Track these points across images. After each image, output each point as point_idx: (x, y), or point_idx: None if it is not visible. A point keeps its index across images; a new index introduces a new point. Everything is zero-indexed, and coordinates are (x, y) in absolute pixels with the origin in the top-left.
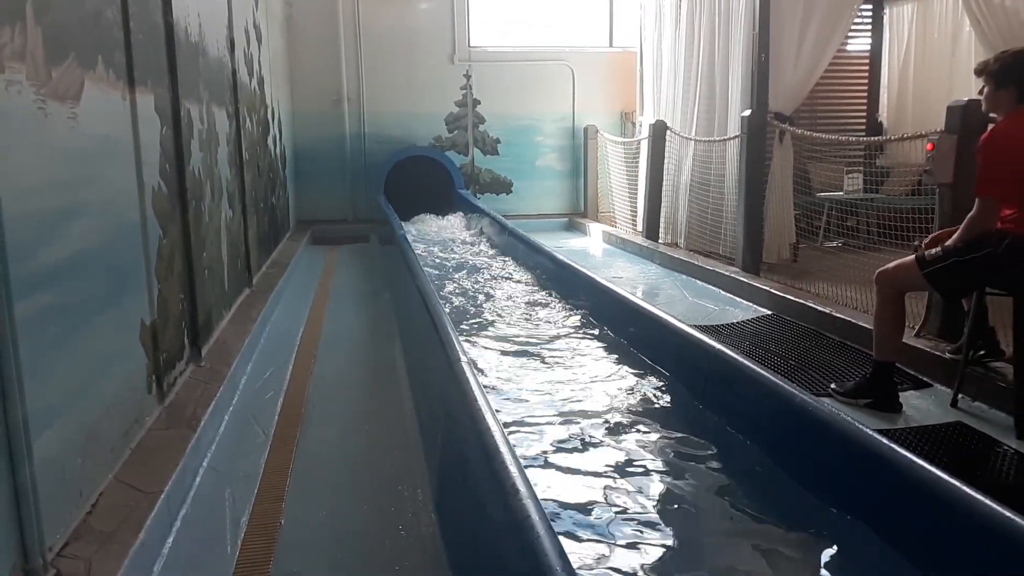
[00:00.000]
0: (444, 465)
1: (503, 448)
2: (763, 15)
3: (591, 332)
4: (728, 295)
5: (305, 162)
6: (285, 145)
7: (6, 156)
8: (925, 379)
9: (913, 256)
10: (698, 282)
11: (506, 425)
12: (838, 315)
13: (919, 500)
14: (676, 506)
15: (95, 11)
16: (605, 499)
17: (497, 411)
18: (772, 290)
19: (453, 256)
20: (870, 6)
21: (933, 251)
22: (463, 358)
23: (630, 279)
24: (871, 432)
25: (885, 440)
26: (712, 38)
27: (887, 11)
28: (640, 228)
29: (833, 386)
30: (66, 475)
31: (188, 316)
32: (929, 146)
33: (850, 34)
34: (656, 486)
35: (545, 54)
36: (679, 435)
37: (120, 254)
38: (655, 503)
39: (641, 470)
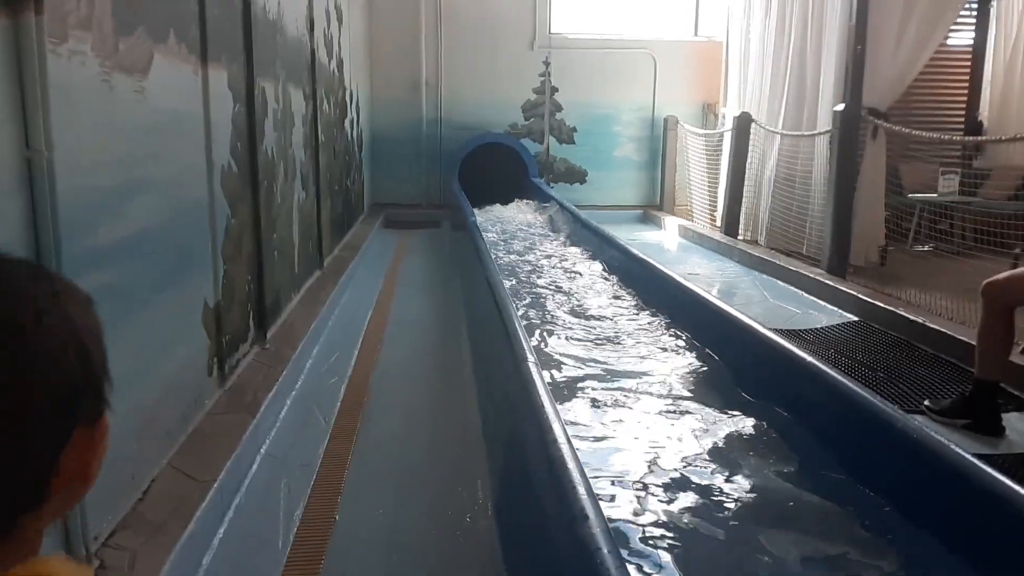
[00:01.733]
0: (507, 471)
1: (571, 464)
2: (861, 5)
3: (668, 335)
4: (811, 298)
5: (381, 146)
6: (362, 128)
7: (65, 129)
8: None
9: None
10: (779, 283)
11: (571, 427)
12: (932, 325)
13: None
14: (757, 534)
15: None
16: (677, 522)
17: (564, 416)
18: (859, 295)
19: (523, 246)
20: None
21: None
22: (531, 358)
23: (707, 276)
24: (970, 457)
25: (985, 467)
26: (804, 28)
27: (994, 4)
28: (718, 223)
29: (927, 403)
30: (118, 459)
31: (255, 298)
32: None
33: (952, 27)
34: (735, 512)
35: (627, 42)
36: (759, 451)
37: (185, 233)
38: (732, 533)
39: (718, 493)
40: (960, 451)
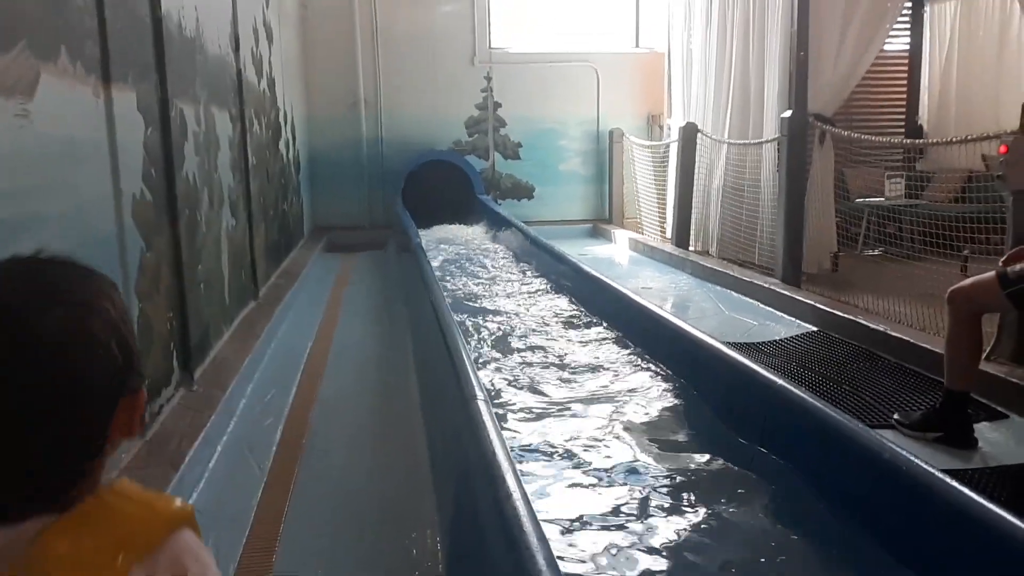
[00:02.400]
0: (458, 521)
1: (527, 525)
2: (802, 10)
3: (622, 353)
4: (768, 308)
5: (320, 167)
6: (299, 149)
7: None
8: (1000, 409)
9: (993, 273)
10: (734, 294)
11: (524, 463)
12: (893, 333)
13: (1000, 554)
14: (723, 559)
15: None
16: (637, 561)
17: (515, 451)
18: (817, 304)
19: (471, 265)
20: (909, 3)
21: (1017, 267)
22: (480, 395)
23: (660, 290)
24: (940, 476)
25: (959, 486)
26: (746, 36)
27: (927, 8)
28: (669, 235)
29: (896, 417)
30: None
31: (178, 336)
32: (1002, 148)
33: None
34: (698, 546)
35: (568, 55)
36: (721, 475)
37: None
38: (694, 562)
39: (679, 525)
40: (932, 469)
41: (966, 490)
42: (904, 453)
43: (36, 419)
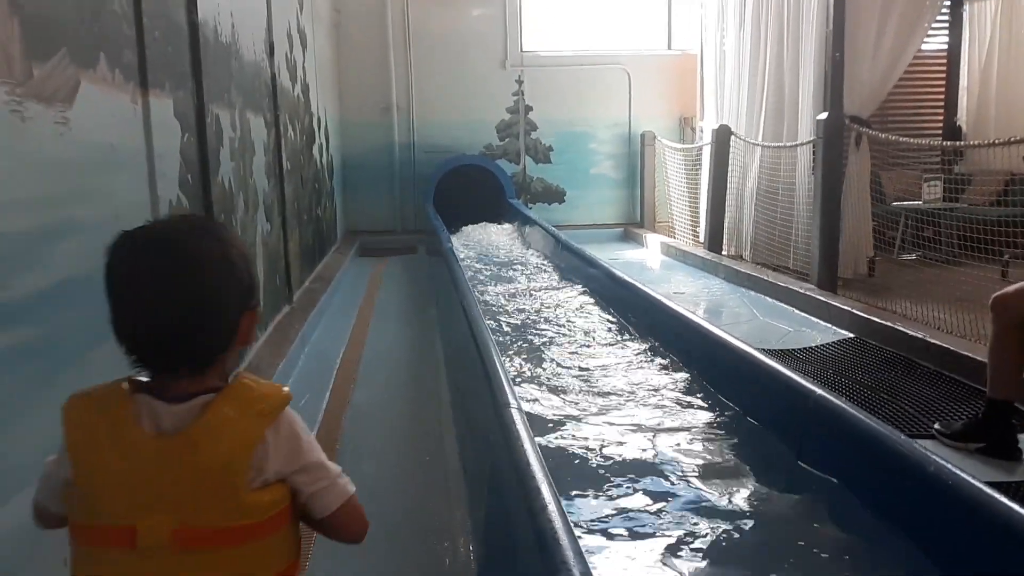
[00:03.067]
0: (491, 530)
1: (563, 539)
2: (838, 11)
3: (657, 363)
4: (803, 314)
5: (353, 172)
6: (332, 154)
7: None
8: None
9: None
10: (768, 299)
11: (558, 470)
12: (933, 341)
13: None
14: (762, 571)
15: (95, 4)
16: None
17: (550, 463)
18: (853, 310)
19: (502, 269)
20: (947, 2)
21: None
22: (513, 403)
23: (693, 295)
24: (983, 487)
25: (1003, 499)
26: (781, 37)
27: (967, 8)
28: (702, 239)
29: (937, 426)
30: (42, 543)
31: None
32: None
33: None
34: (740, 558)
35: (600, 58)
36: (760, 484)
37: None
38: (731, 573)
39: (714, 536)
40: (975, 481)
41: (1015, 505)
42: (949, 466)
43: (200, 315)
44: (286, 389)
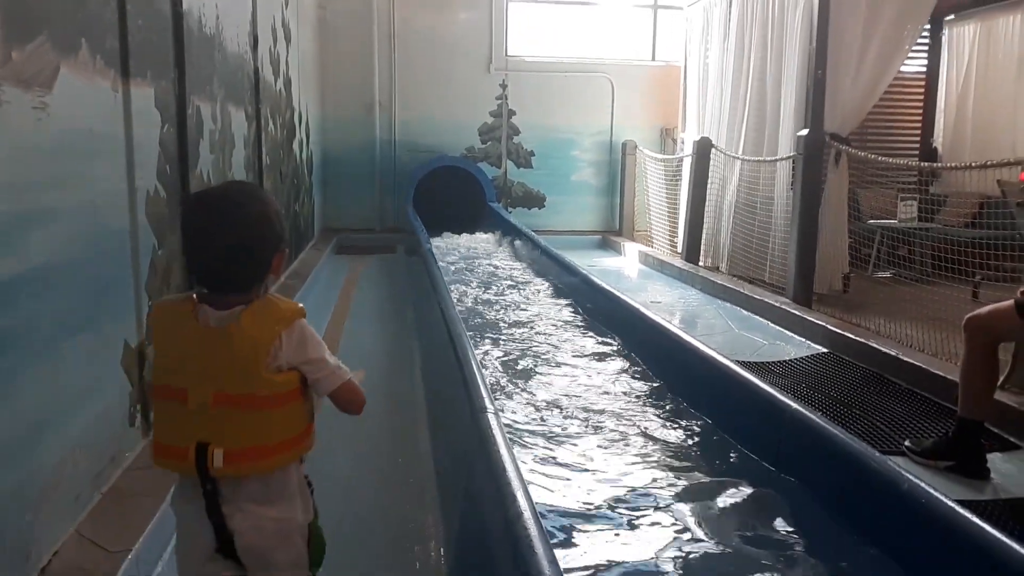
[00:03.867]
0: (464, 533)
1: (538, 547)
2: (821, 29)
3: (632, 372)
4: (777, 328)
5: (333, 168)
6: (313, 150)
7: None
8: (1012, 440)
9: (1011, 301)
10: (743, 311)
11: (532, 475)
12: (906, 358)
13: None
14: None
15: None
16: None
17: (524, 468)
18: (828, 325)
19: (480, 273)
20: (928, 25)
21: None
22: (490, 407)
23: (669, 304)
24: (956, 507)
25: (971, 516)
26: (764, 52)
27: (946, 31)
28: (679, 250)
29: (908, 443)
30: (6, 537)
31: None
32: (1023, 175)
33: None
34: (706, 564)
35: (585, 66)
36: (732, 497)
37: (100, 267)
38: None
39: (691, 546)
40: (943, 498)
41: (987, 526)
42: (923, 485)
43: (244, 253)
44: (301, 306)
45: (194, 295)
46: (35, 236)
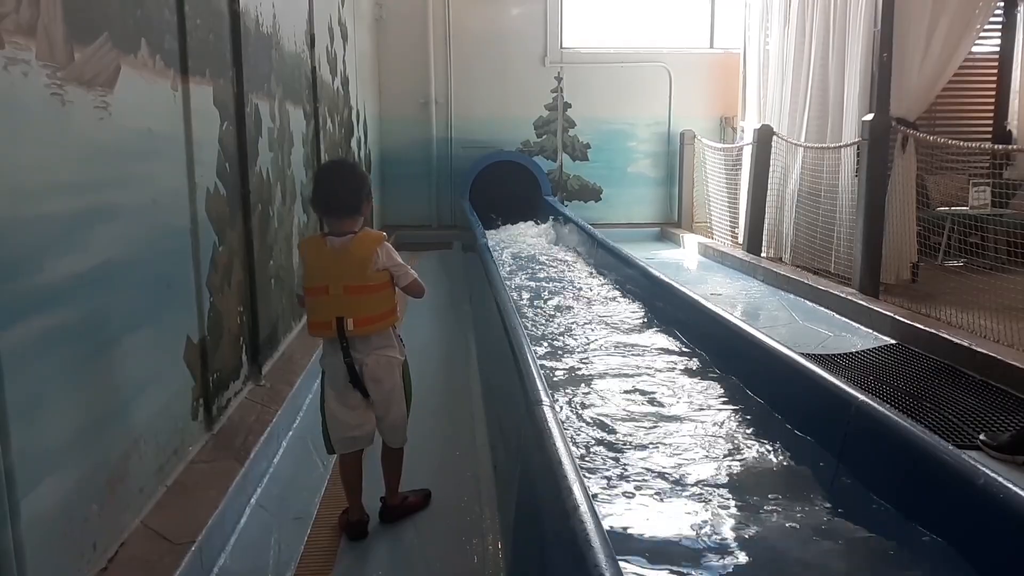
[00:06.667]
0: (520, 526)
1: (595, 541)
2: (887, 10)
3: (693, 366)
4: (843, 319)
5: (390, 166)
6: (370, 148)
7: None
8: None
9: None
10: (807, 303)
11: (588, 466)
12: (978, 349)
13: None
14: None
15: None
16: None
17: (582, 464)
18: (896, 316)
19: (536, 266)
20: (1001, 4)
21: None
22: (545, 400)
23: (731, 296)
24: None
25: None
26: (826, 37)
27: (1020, 8)
28: (740, 241)
29: (983, 437)
30: (73, 527)
31: (248, 330)
32: None
33: None
34: (767, 563)
35: (641, 55)
36: (801, 493)
37: (163, 263)
38: None
39: (751, 544)
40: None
41: None
42: (1000, 479)
43: (352, 192)
44: (384, 234)
45: (322, 232)
46: (98, 233)
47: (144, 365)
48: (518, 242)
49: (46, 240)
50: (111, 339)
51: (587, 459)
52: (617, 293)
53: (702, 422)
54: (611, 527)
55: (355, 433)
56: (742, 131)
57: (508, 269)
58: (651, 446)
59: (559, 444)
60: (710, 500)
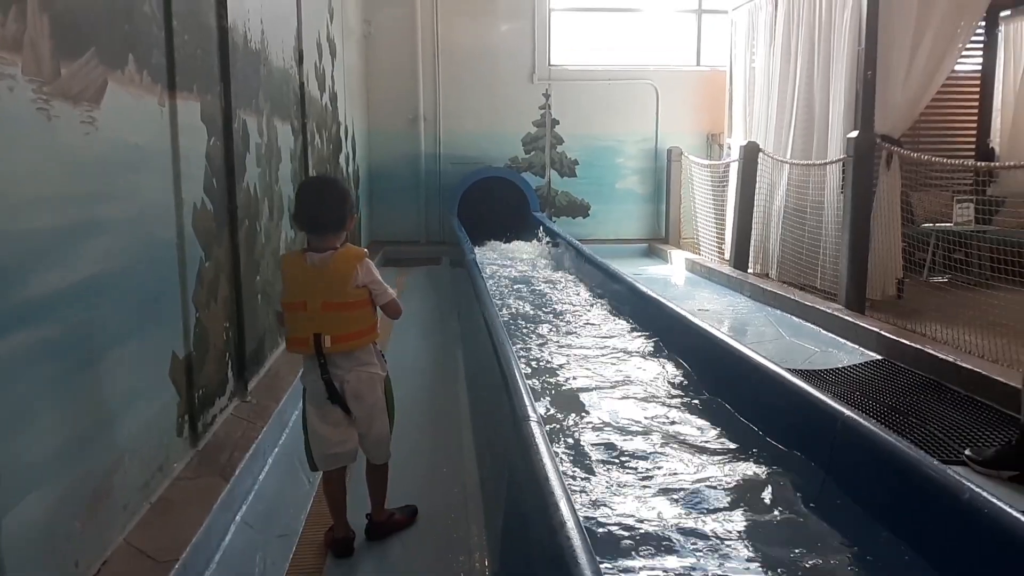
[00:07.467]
0: (508, 542)
1: (581, 558)
2: (870, 29)
3: (679, 381)
4: (829, 335)
5: (379, 182)
6: (359, 164)
7: None
8: None
9: None
10: (794, 318)
11: (577, 488)
12: (963, 364)
13: None
14: None
15: (127, 5)
16: None
17: (569, 482)
18: (882, 331)
19: (525, 283)
20: (982, 23)
21: None
22: (532, 415)
23: (718, 312)
24: (1018, 515)
25: None
26: (811, 55)
27: (1002, 28)
28: (727, 256)
29: (968, 452)
30: (56, 544)
31: (234, 346)
32: None
33: None
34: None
35: (628, 72)
36: (789, 508)
37: (148, 278)
38: None
39: (737, 558)
40: (1009, 508)
41: None
42: (985, 494)
43: (335, 209)
44: (365, 250)
45: (303, 248)
46: (84, 248)
47: (129, 380)
48: (506, 257)
49: (31, 254)
50: (96, 354)
51: (574, 474)
52: (605, 310)
53: (688, 436)
54: (597, 532)
55: (337, 450)
56: (728, 148)
57: (492, 278)
58: (637, 460)
59: (546, 460)
60: (695, 514)
